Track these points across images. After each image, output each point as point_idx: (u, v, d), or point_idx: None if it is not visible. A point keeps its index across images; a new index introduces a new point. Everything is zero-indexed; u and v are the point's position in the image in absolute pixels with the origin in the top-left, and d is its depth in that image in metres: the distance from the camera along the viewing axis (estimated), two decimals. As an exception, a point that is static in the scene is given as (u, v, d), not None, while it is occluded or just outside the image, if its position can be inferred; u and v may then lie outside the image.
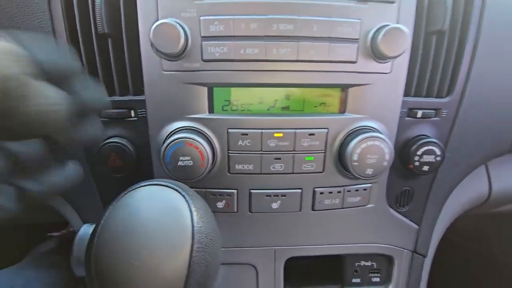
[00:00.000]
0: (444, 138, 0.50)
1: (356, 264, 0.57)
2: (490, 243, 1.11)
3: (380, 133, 0.44)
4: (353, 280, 0.57)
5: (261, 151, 0.44)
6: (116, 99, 0.45)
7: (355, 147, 0.42)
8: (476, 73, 0.48)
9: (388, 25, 0.39)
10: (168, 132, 0.44)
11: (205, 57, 0.40)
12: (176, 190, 0.27)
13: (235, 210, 0.48)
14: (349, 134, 0.44)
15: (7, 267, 0.60)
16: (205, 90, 0.43)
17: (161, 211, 0.25)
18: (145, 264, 0.23)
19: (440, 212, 0.58)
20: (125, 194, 0.27)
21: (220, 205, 0.47)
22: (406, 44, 0.39)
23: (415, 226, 0.55)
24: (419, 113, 0.47)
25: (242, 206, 0.48)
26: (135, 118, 0.45)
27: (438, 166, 0.48)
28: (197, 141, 0.40)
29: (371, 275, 0.57)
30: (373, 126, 0.45)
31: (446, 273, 1.17)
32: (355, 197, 0.49)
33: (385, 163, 0.43)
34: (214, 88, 0.43)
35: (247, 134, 0.43)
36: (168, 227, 0.24)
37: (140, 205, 0.26)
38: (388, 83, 0.43)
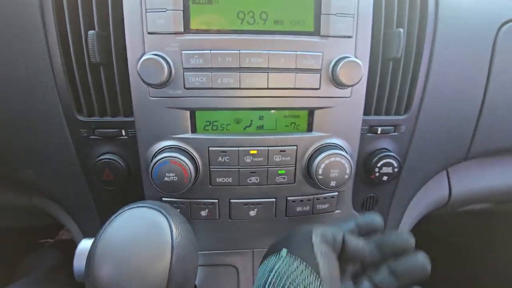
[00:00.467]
0: (403, 150, 0.56)
1: None
2: (471, 238, 1.18)
3: (343, 149, 0.50)
4: None
5: (238, 166, 0.50)
6: (108, 120, 0.50)
7: (320, 163, 0.48)
8: (430, 92, 0.54)
9: (346, 57, 0.45)
10: (156, 150, 0.49)
11: (187, 86, 0.46)
12: (159, 211, 0.32)
13: (217, 218, 0.54)
14: (315, 150, 0.50)
15: (13, 283, 0.65)
16: (187, 113, 0.48)
17: (147, 228, 0.31)
18: (134, 270, 0.29)
19: (404, 214, 0.64)
20: (119, 213, 0.33)
21: (203, 213, 0.53)
22: (360, 74, 0.45)
23: (380, 227, 0.62)
24: (379, 130, 0.53)
25: (223, 214, 0.53)
26: (126, 137, 0.50)
27: (396, 176, 0.54)
28: (181, 159, 0.46)
29: None
30: (337, 143, 0.51)
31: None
32: (324, 204, 0.55)
33: (346, 176, 0.49)
34: (196, 111, 0.49)
35: (226, 152, 0.49)
36: (152, 241, 0.30)
37: (130, 223, 0.32)
38: (348, 105, 0.49)
